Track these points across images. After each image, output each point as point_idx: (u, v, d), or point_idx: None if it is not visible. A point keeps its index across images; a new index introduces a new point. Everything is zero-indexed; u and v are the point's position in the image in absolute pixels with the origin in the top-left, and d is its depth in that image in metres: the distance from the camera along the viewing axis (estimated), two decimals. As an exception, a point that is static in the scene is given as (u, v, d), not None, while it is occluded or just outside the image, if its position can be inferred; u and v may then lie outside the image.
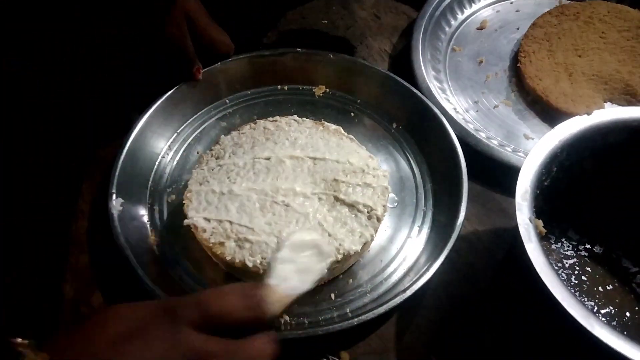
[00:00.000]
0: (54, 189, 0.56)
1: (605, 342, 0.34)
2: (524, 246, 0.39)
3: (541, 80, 0.62)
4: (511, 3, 0.73)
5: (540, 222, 0.41)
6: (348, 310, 0.46)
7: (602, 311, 0.48)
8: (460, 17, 0.71)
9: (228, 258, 0.45)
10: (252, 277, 0.45)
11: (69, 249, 0.53)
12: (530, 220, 0.40)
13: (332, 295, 0.47)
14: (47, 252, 0.53)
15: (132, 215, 0.52)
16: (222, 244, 0.46)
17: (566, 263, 0.50)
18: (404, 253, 0.50)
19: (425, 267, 0.46)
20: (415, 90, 0.59)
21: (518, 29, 0.70)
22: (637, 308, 0.48)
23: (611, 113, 0.46)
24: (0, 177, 0.54)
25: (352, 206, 0.47)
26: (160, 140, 0.58)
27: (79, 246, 0.53)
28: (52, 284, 0.51)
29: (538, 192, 0.45)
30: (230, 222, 0.47)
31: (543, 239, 0.50)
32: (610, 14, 0.67)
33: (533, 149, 0.44)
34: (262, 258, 0.44)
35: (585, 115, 0.46)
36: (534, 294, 0.39)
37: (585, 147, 0.47)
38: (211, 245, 0.46)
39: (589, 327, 0.35)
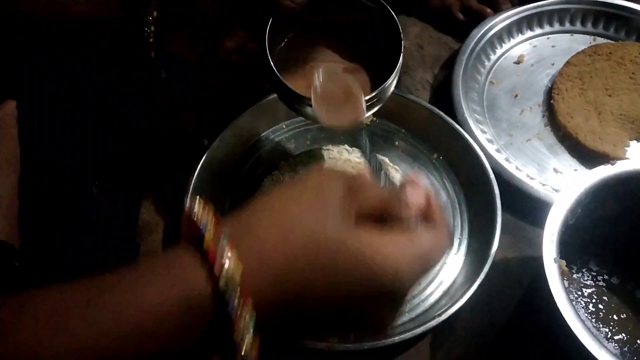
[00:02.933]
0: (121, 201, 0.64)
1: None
2: (547, 282, 0.46)
3: (572, 118, 0.67)
4: (547, 38, 0.78)
5: (563, 262, 0.47)
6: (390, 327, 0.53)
7: (615, 337, 0.54)
8: (499, 51, 0.77)
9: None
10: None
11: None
12: (555, 261, 0.46)
13: (376, 312, 0.55)
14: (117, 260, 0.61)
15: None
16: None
17: (585, 292, 0.56)
18: (440, 277, 0.57)
19: (461, 292, 0.53)
20: (455, 125, 0.65)
21: (553, 64, 0.75)
22: (646, 335, 0.54)
23: (630, 164, 0.52)
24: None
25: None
26: (227, 162, 0.66)
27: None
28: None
29: (564, 230, 0.51)
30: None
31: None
32: (641, 55, 0.72)
33: (560, 196, 0.50)
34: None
35: (609, 165, 0.52)
36: (554, 321, 0.45)
37: (607, 192, 0.52)
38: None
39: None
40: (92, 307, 0.26)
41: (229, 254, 0.27)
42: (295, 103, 0.53)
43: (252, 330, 0.27)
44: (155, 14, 0.50)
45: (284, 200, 0.31)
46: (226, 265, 0.27)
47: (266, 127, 0.69)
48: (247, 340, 0.27)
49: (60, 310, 0.26)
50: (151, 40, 0.50)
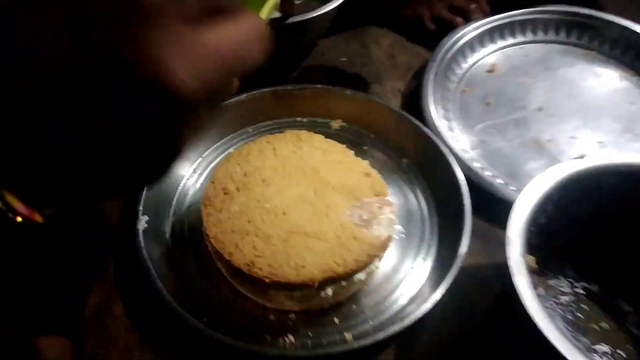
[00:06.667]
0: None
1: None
2: (512, 280, 0.42)
3: (546, 124, 0.65)
4: (520, 48, 0.77)
5: (532, 258, 0.43)
6: (350, 334, 0.49)
7: (597, 347, 0.50)
8: (471, 59, 0.75)
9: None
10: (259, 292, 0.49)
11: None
12: (522, 256, 0.43)
13: (336, 320, 0.50)
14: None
15: (155, 232, 0.56)
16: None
17: (562, 299, 0.53)
18: (407, 283, 0.53)
19: (426, 298, 0.49)
20: (425, 129, 0.62)
21: (526, 73, 0.74)
22: (629, 347, 0.50)
23: (602, 159, 0.49)
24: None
25: (359, 236, 0.51)
26: (185, 164, 0.63)
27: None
28: (76, 292, 0.55)
29: (533, 229, 0.48)
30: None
31: (540, 275, 0.53)
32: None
33: (525, 188, 0.47)
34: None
35: (579, 158, 0.49)
36: (524, 326, 0.41)
37: (579, 189, 0.49)
38: (226, 254, 0.48)
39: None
40: None
41: None
42: None
43: None
44: None
45: None
46: None
47: (232, 130, 0.66)
48: None
49: None
50: None
